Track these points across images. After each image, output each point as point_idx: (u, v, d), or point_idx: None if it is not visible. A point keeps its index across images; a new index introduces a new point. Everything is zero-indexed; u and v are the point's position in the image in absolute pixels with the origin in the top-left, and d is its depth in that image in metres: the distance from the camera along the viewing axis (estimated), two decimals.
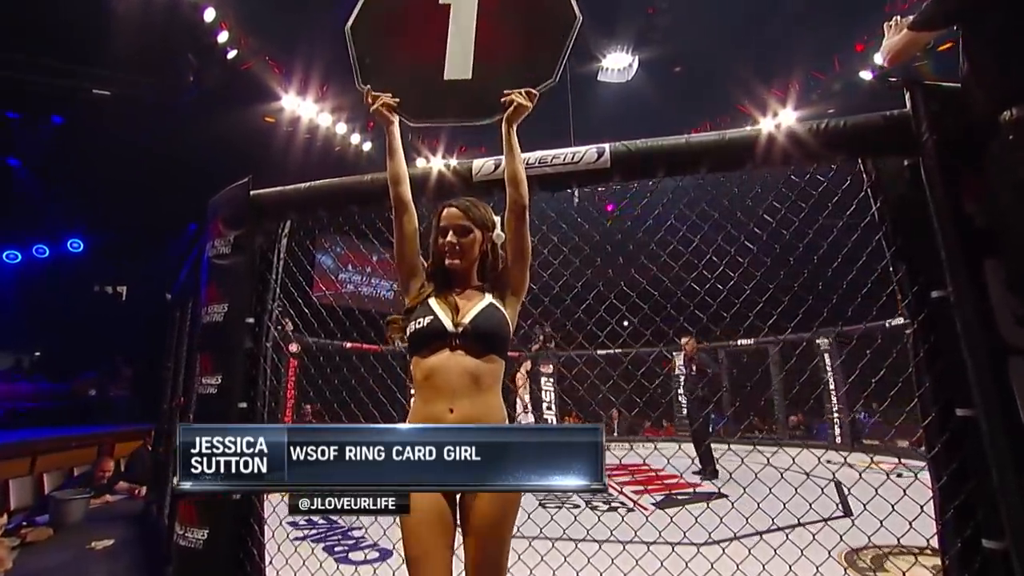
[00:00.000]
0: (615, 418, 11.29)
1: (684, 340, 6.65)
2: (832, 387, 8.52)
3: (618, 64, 10.53)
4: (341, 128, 10.42)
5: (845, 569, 3.10)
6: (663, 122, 12.67)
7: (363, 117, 10.60)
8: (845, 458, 6.69)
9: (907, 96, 1.64)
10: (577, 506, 4.86)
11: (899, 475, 6.23)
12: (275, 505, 2.36)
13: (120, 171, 10.86)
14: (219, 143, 9.72)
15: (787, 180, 2.15)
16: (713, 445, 6.31)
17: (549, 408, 9.79)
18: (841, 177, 1.99)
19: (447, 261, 1.50)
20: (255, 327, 2.14)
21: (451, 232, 1.49)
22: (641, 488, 5.59)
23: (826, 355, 8.55)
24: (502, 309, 1.46)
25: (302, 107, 9.72)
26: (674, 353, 10.00)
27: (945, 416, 1.52)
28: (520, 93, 1.47)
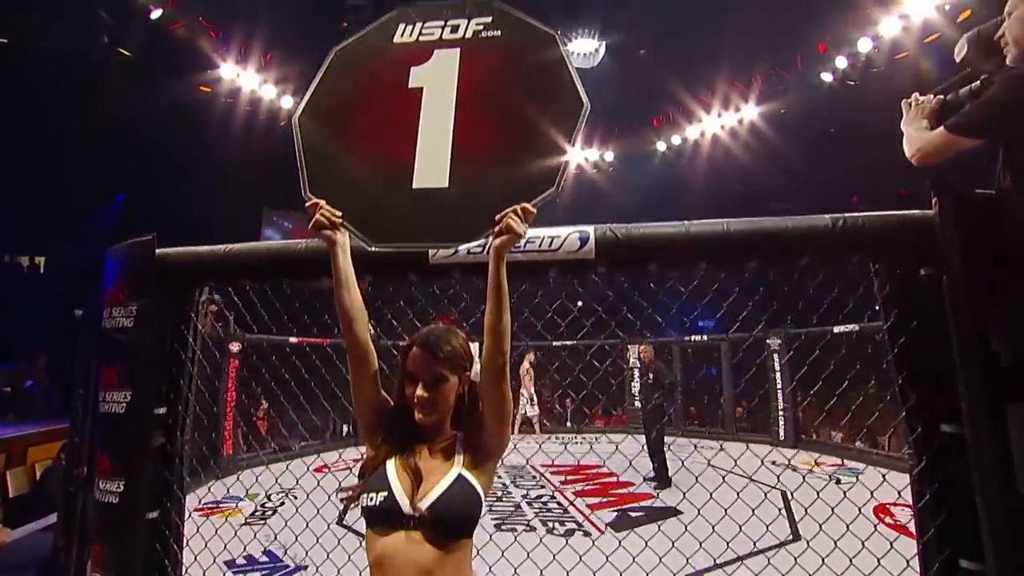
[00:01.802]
0: (567, 406, 11.34)
1: (641, 348, 6.61)
2: (779, 385, 8.80)
3: (584, 49, 10.14)
4: (287, 101, 9.57)
5: None
6: (627, 109, 12.50)
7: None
8: (789, 460, 6.98)
9: (934, 201, 1.45)
10: (533, 528, 4.76)
11: (838, 481, 6.40)
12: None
13: (32, 130, 9.59)
14: (149, 111, 8.74)
15: None
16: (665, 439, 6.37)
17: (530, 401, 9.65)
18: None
19: (417, 416, 1.22)
20: (168, 419, 1.77)
21: (421, 384, 1.21)
22: (595, 500, 5.56)
23: (775, 355, 8.80)
24: (473, 481, 1.19)
25: (243, 77, 8.82)
26: (629, 346, 10.11)
27: (950, 570, 1.39)
28: (515, 213, 1.14)
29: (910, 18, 8.22)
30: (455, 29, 1.42)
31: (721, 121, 11.61)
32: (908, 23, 8.25)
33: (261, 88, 9.12)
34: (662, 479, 6.15)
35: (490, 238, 1.16)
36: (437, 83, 1.36)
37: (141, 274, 1.78)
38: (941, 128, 1.40)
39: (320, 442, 8.18)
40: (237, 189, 11.00)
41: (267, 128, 9.95)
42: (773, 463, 6.58)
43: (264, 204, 14.18)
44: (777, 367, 8.75)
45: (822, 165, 11.67)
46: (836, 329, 7.72)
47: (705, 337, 9.99)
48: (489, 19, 1.41)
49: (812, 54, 9.72)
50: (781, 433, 8.78)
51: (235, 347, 6.87)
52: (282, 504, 5.34)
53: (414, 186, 1.26)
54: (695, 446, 7.09)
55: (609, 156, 12.89)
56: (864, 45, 8.71)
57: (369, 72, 1.44)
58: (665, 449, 6.28)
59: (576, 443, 9.18)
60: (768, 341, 8.74)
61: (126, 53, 8.18)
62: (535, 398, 9.77)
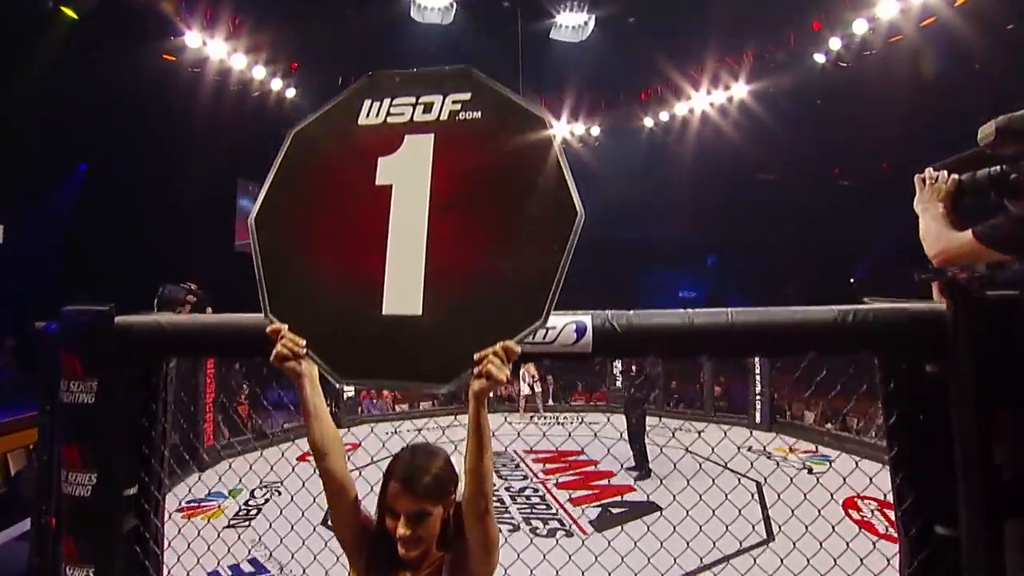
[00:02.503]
0: (551, 384, 11.49)
1: None
2: (758, 370, 9.00)
3: (573, 22, 9.71)
4: (259, 72, 9.02)
5: None
6: (616, 83, 12.15)
7: (284, 59, 9.23)
8: (765, 447, 7.19)
9: (947, 301, 1.39)
10: (517, 527, 4.84)
11: (810, 471, 6.64)
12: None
13: None
14: (110, 79, 8.17)
15: None
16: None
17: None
18: None
19: (400, 551, 1.15)
20: (140, 499, 1.68)
21: (403, 520, 1.14)
22: (577, 494, 5.68)
23: None
24: None
25: (210, 45, 8.23)
26: None
27: None
28: (495, 355, 1.02)
29: (908, 0, 8.01)
30: (428, 108, 1.23)
31: (710, 98, 11.38)
32: (906, 5, 8.04)
33: (231, 58, 8.54)
34: (642, 469, 6.29)
35: (470, 379, 1.05)
36: (408, 180, 1.18)
37: (100, 347, 1.64)
38: (969, 234, 1.32)
39: (302, 422, 8.12)
40: (209, 159, 10.54)
41: (238, 98, 9.43)
42: (749, 449, 6.81)
43: (238, 175, 13.66)
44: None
45: (807, 139, 11.65)
46: None
47: None
48: (468, 95, 1.21)
49: (805, 32, 9.47)
50: (758, 416, 9.05)
51: None
52: (266, 502, 5.34)
53: (384, 312, 1.11)
54: (672, 433, 7.21)
55: (595, 131, 12.60)
56: (860, 27, 8.49)
57: (331, 163, 1.25)
58: (646, 439, 6.41)
59: (559, 424, 9.38)
60: None
61: (72, 15, 7.53)
62: (537, 376, 9.83)
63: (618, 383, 10.03)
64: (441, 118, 1.22)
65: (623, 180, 13.10)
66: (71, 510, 1.67)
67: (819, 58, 9.36)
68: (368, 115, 1.26)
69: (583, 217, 1.10)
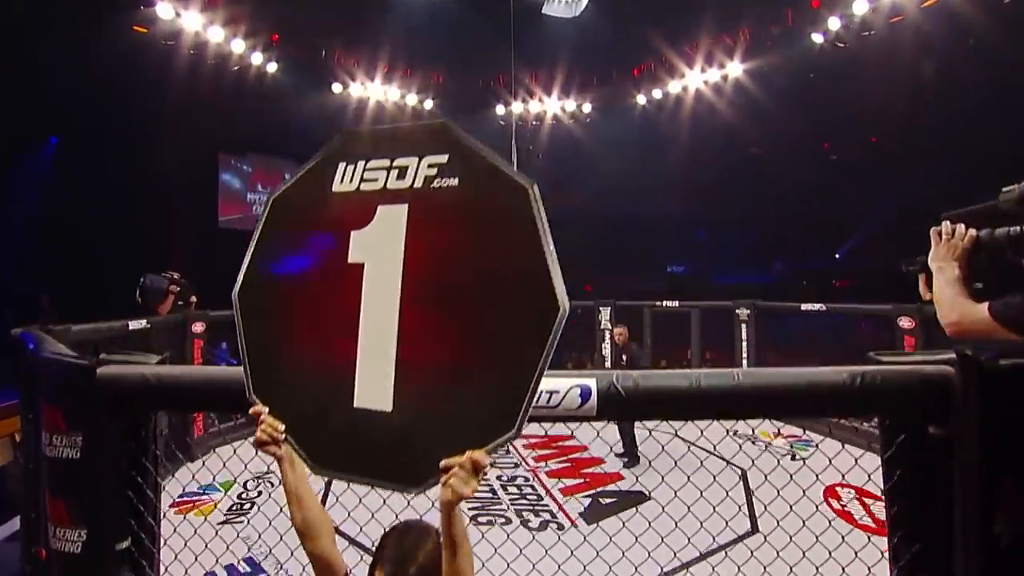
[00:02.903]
0: None
1: (617, 331, 6.65)
2: (745, 354, 9.13)
3: None
4: (238, 46, 8.60)
5: None
6: (609, 59, 11.84)
7: (264, 32, 8.80)
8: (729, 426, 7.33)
9: (956, 365, 1.38)
10: (509, 521, 4.92)
11: (793, 457, 6.83)
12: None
13: None
14: (78, 50, 7.75)
15: None
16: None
17: None
18: None
19: None
20: (133, 552, 1.64)
21: None
22: (568, 483, 5.78)
23: (743, 325, 9.05)
24: None
25: (185, 17, 7.80)
26: (600, 309, 10.23)
27: None
28: (461, 467, 0.97)
29: None
30: (402, 173, 1.12)
31: (705, 76, 11.16)
32: None
33: (207, 31, 8.11)
34: (631, 456, 6.40)
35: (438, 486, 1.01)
36: (380, 259, 1.10)
37: (81, 401, 1.58)
38: (984, 309, 1.30)
39: None
40: (189, 133, 10.17)
41: (216, 72, 9.02)
42: (736, 433, 6.96)
43: (220, 149, 13.25)
44: (744, 336, 9.04)
45: (802, 117, 11.57)
46: (803, 307, 7.99)
47: (676, 303, 10.15)
48: (444, 158, 1.11)
49: (804, 11, 9.24)
50: None
51: (199, 327, 6.58)
52: (259, 494, 5.36)
53: (355, 404, 1.07)
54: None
55: (587, 108, 12.35)
56: (860, 6, 8.28)
57: (306, 236, 1.18)
58: (634, 425, 6.51)
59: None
60: (737, 311, 8.96)
61: None
62: None
63: (606, 365, 10.14)
64: (415, 185, 1.12)
65: (614, 156, 12.95)
66: (61, 566, 1.63)
67: (817, 38, 9.17)
68: (343, 180, 1.18)
69: (567, 312, 1.01)
